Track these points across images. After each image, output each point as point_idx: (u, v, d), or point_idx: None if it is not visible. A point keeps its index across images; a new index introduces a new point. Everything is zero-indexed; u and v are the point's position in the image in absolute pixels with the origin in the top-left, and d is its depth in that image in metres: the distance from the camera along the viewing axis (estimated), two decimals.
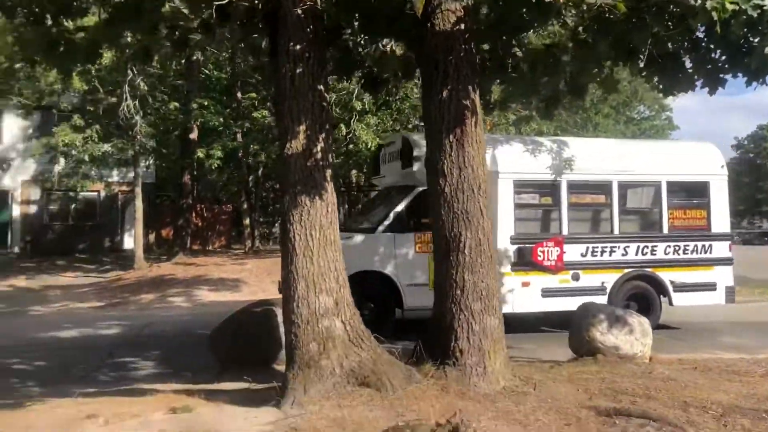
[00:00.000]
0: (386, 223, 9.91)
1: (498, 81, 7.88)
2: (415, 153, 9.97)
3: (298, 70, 5.43)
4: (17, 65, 17.89)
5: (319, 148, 5.45)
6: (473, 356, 5.46)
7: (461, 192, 5.57)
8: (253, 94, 21.12)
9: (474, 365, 5.45)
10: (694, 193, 10.81)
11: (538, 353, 7.88)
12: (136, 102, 18.67)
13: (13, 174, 26.26)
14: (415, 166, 9.93)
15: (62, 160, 22.55)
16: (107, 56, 15.17)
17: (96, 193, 27.15)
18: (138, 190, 21.30)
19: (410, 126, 18.50)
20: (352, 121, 17.17)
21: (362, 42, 7.45)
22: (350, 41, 7.32)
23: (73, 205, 27.39)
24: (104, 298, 16.47)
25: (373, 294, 9.48)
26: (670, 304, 10.50)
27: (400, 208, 9.95)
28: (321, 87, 5.54)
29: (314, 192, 5.37)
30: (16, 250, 26.29)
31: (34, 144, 22.88)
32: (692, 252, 10.50)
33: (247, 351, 6.99)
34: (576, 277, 10.08)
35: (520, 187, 10.09)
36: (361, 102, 16.73)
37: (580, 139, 13.98)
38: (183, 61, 20.36)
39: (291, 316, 5.29)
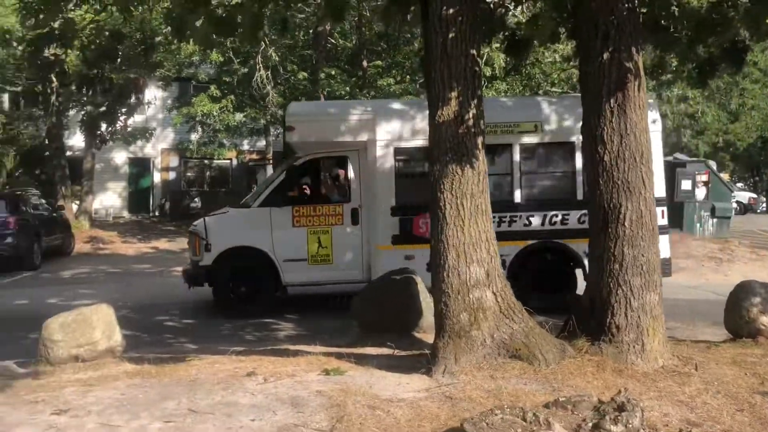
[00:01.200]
0: (262, 197, 9.66)
1: (651, 45, 7.39)
2: (288, 122, 9.66)
3: (450, 35, 5.30)
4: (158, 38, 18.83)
5: (470, 114, 5.32)
6: (631, 333, 5.21)
7: (622, 161, 5.26)
8: (379, 62, 21.19)
9: (632, 342, 5.19)
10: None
11: (685, 333, 7.44)
12: (268, 72, 19.26)
13: (154, 143, 28.02)
14: (294, 136, 9.57)
15: (200, 129, 23.75)
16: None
17: (228, 161, 28.49)
18: (269, 157, 22.09)
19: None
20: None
21: (508, 4, 7.19)
22: (493, 3, 7.09)
23: (207, 172, 28.95)
24: None
25: (249, 269, 9.39)
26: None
27: (277, 181, 9.65)
28: (473, 52, 5.38)
29: (465, 160, 5.26)
30: (157, 213, 28.19)
31: (174, 114, 24.20)
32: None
33: (387, 317, 7.06)
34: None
35: (401, 154, 9.33)
36: (491, 67, 16.36)
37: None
38: (311, 31, 20.77)
39: (441, 285, 5.25)
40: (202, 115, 21.42)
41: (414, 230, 9.06)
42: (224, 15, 6.03)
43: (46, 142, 23.91)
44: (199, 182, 29.22)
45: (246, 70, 20.71)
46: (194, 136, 24.56)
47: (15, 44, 18.78)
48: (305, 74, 21.36)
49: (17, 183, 22.73)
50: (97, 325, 6.14)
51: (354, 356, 5.83)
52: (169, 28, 8.22)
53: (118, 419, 4.24)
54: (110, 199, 28.06)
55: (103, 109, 19.33)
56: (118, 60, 8.05)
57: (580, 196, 9.02)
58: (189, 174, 29.47)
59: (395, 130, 9.18)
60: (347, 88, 20.89)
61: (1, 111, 21.96)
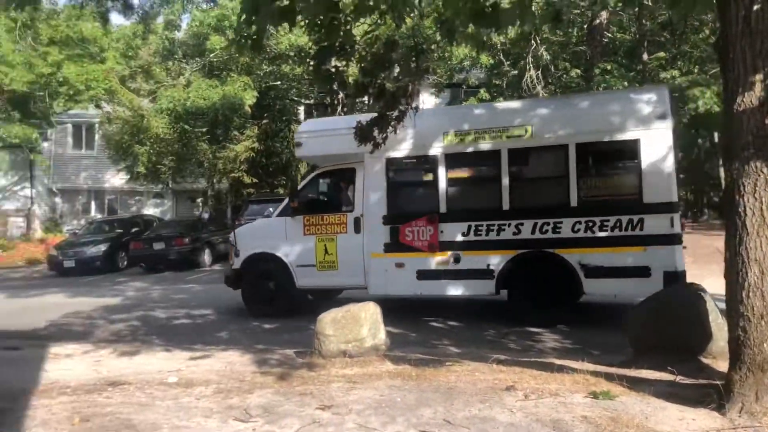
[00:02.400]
0: (280, 208, 10.57)
1: None
2: (297, 138, 10.51)
3: (754, 7, 4.43)
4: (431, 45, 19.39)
5: None
6: None
7: None
8: (662, 54, 19.42)
9: None
10: (616, 155, 8.70)
11: None
12: (539, 72, 18.78)
13: None
14: (303, 151, 10.46)
15: None
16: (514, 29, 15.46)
17: None
18: None
19: None
20: None
21: None
22: None
23: None
24: None
25: (269, 274, 10.21)
26: (581, 291, 8.61)
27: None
28: None
29: None
30: None
31: None
32: (611, 229, 8.41)
33: (666, 337, 6.21)
34: (457, 259, 9.04)
35: (393, 165, 9.53)
36: None
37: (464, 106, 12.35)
38: (585, 26, 19.79)
39: (739, 307, 4.39)
40: None
41: (401, 238, 9.28)
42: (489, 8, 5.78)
43: None
44: None
45: (516, 71, 20.47)
46: None
47: (309, 61, 20.92)
48: (578, 71, 20.42)
49: None
50: (364, 322, 6.34)
51: (627, 379, 5.19)
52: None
53: (375, 422, 4.24)
54: None
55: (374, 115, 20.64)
56: (393, 68, 8.21)
57: None
58: None
59: (387, 142, 8.20)
60: (625, 83, 19.50)
61: (297, 121, 24.64)
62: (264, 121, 23.48)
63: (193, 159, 23.21)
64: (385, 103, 8.06)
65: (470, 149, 9.24)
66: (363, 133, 7.99)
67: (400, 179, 9.75)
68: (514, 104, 11.17)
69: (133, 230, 21.72)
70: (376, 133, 7.98)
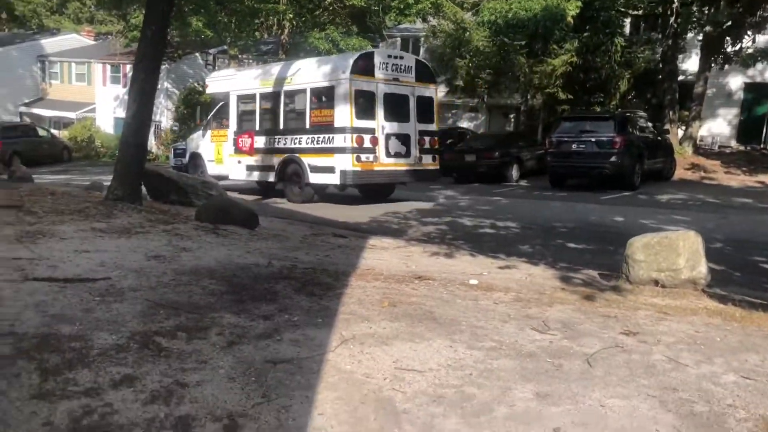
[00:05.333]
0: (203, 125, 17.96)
1: None
2: (206, 82, 19.20)
3: None
4: None
5: None
6: None
7: None
8: None
9: None
10: (324, 96, 13.59)
11: None
12: None
13: None
14: (208, 90, 18.32)
15: None
16: None
17: None
18: None
19: None
20: None
21: None
22: None
23: None
24: None
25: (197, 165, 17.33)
26: (308, 181, 13.83)
27: (211, 116, 17.51)
28: None
29: None
30: None
31: None
32: (320, 142, 13.45)
33: None
34: (260, 159, 14.95)
35: (240, 99, 15.81)
36: None
37: (265, 66, 17.83)
38: None
39: None
40: None
41: (237, 146, 15.61)
42: None
43: (660, 65, 23.88)
44: None
45: None
46: None
47: None
48: None
49: (629, 105, 23.55)
50: (681, 252, 5.70)
51: None
52: None
53: (687, 358, 3.79)
54: (718, 126, 26.49)
55: (728, 24, 18.16)
56: None
57: None
58: None
59: (238, 85, 15.93)
60: None
61: (621, 34, 22.81)
62: (585, 34, 22.17)
63: (510, 73, 23.07)
64: (739, 12, 6.89)
65: (270, 90, 14.93)
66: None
67: (241, 108, 15.76)
68: (289, 63, 15.79)
69: (448, 141, 22.66)
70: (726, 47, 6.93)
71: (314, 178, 13.59)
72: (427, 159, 14.45)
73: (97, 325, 3.84)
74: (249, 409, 2.90)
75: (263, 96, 14.97)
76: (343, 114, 13.03)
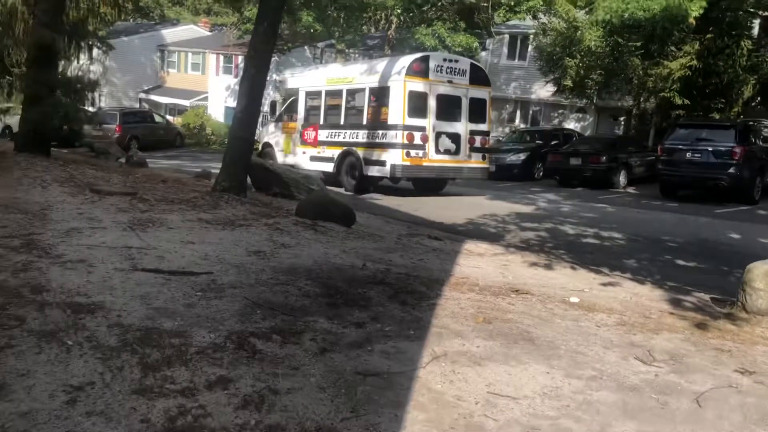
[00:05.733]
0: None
1: None
2: (278, 80, 22.15)
3: None
4: None
5: None
6: None
7: None
8: None
9: None
10: (381, 95, 14.66)
11: None
12: None
13: None
14: (280, 87, 20.68)
15: None
16: None
17: None
18: None
19: None
20: None
21: None
22: None
23: None
24: None
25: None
26: (364, 173, 14.84)
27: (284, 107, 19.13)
28: None
29: None
30: None
31: None
32: (375, 138, 14.59)
33: None
34: (322, 150, 16.12)
35: (308, 95, 17.04)
36: None
37: (330, 65, 21.76)
38: None
39: None
40: None
41: (302, 138, 17.00)
42: None
43: None
44: None
45: None
46: None
47: None
48: None
49: (752, 113, 22.00)
50: None
51: None
52: None
53: None
54: None
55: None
56: None
57: None
58: None
59: (307, 82, 17.54)
60: None
61: (749, 37, 21.31)
62: (708, 36, 20.87)
63: (622, 75, 22.09)
64: None
65: (335, 87, 16.20)
66: None
67: (309, 103, 16.88)
68: (352, 64, 19.49)
69: (552, 143, 22.07)
70: None
71: (368, 170, 14.75)
72: (477, 157, 15.43)
73: (197, 321, 3.94)
74: (337, 423, 2.88)
75: (328, 93, 16.39)
76: (396, 112, 14.17)
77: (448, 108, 14.86)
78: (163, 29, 46.28)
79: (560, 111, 29.48)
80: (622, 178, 19.26)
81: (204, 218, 7.42)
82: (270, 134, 18.89)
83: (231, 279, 4.93)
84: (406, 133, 14.07)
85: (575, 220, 12.10)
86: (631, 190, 19.08)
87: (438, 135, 14.66)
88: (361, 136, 15.10)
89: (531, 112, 30.53)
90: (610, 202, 15.80)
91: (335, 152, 15.65)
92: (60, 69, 11.42)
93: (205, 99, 40.45)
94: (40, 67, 10.24)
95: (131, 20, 50.80)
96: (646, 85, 21.30)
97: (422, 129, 14.40)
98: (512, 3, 27.09)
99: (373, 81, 15.06)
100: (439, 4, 28.48)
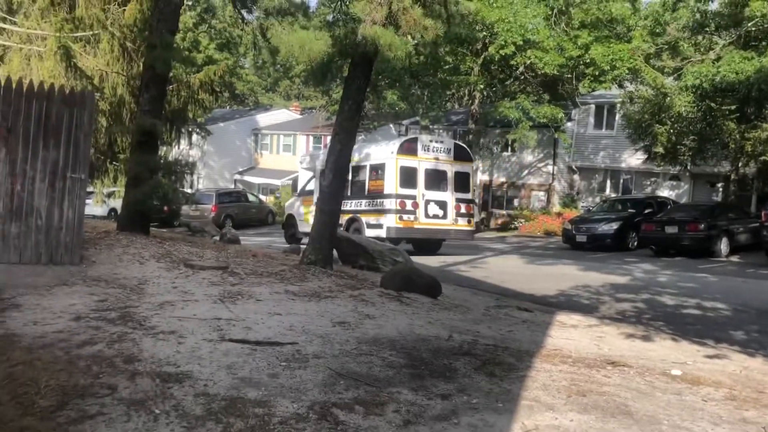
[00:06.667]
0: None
1: None
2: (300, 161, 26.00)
3: None
4: None
5: None
6: None
7: None
8: None
9: None
10: (378, 170, 17.29)
11: None
12: None
13: None
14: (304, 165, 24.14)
15: None
16: None
17: None
18: None
19: None
20: None
21: None
22: None
23: None
24: None
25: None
26: (365, 235, 15.91)
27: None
28: None
29: None
30: None
31: None
32: (374, 205, 17.10)
33: None
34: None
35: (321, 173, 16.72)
36: None
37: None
38: None
39: None
40: None
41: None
42: None
43: None
44: None
45: None
46: None
47: None
48: None
49: None
50: None
51: None
52: None
53: None
54: None
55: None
56: None
57: None
58: None
59: (321, 163, 16.45)
60: None
61: None
62: None
63: (717, 140, 21.30)
64: None
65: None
66: None
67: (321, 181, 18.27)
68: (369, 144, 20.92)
69: (646, 211, 21.29)
70: None
71: (369, 232, 16.80)
72: (463, 221, 17.85)
73: (280, 391, 3.92)
74: None
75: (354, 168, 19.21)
76: (391, 184, 16.89)
77: (436, 180, 17.48)
78: (257, 114, 48.81)
79: (652, 179, 28.61)
80: (723, 246, 18.21)
81: (291, 290, 7.52)
82: (293, 208, 21.39)
83: (315, 349, 4.91)
84: (398, 200, 16.68)
85: (674, 290, 11.46)
86: (734, 258, 18.00)
87: (427, 202, 17.14)
88: (364, 204, 17.67)
89: (621, 180, 29.77)
90: (711, 271, 14.92)
91: (344, 218, 17.34)
92: (161, 153, 12.13)
93: (297, 178, 41.93)
94: (143, 152, 10.92)
95: (228, 107, 54.01)
96: (744, 149, 20.42)
97: (413, 197, 16.90)
98: (597, 73, 26.90)
99: (372, 160, 17.82)
100: (522, 77, 28.66)
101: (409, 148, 17.24)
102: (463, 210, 17.80)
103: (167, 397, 3.68)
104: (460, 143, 20.25)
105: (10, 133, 7.44)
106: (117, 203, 16.58)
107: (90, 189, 13.11)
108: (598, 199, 28.40)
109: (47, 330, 4.92)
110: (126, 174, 12.12)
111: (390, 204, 16.81)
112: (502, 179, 33.52)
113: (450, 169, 17.74)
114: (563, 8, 25.21)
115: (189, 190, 23.71)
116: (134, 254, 8.70)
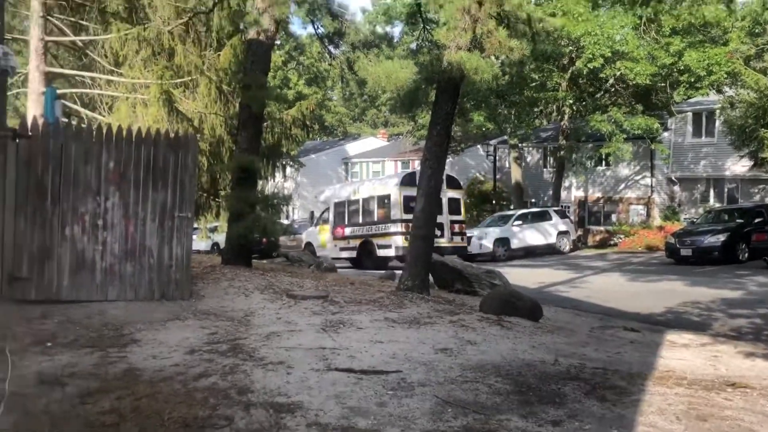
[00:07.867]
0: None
1: None
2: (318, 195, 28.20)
3: None
4: None
5: None
6: None
7: None
8: None
9: None
10: (385, 200, 20.63)
11: None
12: None
13: None
14: (321, 197, 26.08)
15: None
16: None
17: None
18: None
19: None
20: None
21: None
22: None
23: None
24: None
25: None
26: (377, 255, 20.30)
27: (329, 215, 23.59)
28: None
29: None
30: None
31: None
32: (383, 229, 20.32)
33: None
34: (347, 242, 21.79)
35: (336, 204, 23.14)
36: None
37: (347, 186, 26.65)
38: None
39: None
40: None
41: (333, 234, 22.54)
42: None
43: None
44: None
45: None
46: None
47: None
48: None
49: None
50: None
51: None
52: None
53: None
54: None
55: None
56: None
57: None
58: None
59: (335, 196, 23.40)
60: None
61: None
62: None
63: None
64: None
65: (354, 197, 22.24)
66: None
67: (337, 210, 22.62)
68: (363, 182, 27.26)
69: (756, 221, 20.11)
70: None
71: (380, 252, 20.28)
72: (457, 239, 21.12)
73: (389, 420, 3.96)
74: None
75: (350, 202, 22.30)
76: (396, 211, 19.94)
77: None
78: (346, 144, 49.85)
79: (761, 186, 27.02)
80: None
81: (390, 317, 7.59)
82: (312, 236, 24.69)
83: (420, 377, 4.94)
84: (403, 224, 18.85)
85: None
86: None
87: None
88: (374, 229, 20.81)
89: (726, 189, 28.29)
90: None
91: (357, 242, 21.35)
92: (259, 187, 12.61)
93: (312, 213, 42.73)
94: (243, 188, 11.38)
95: (318, 139, 55.43)
96: None
97: None
98: (692, 80, 25.81)
99: (379, 192, 21.13)
100: (612, 90, 27.88)
101: (408, 180, 19.64)
102: (456, 229, 21.20)
103: (281, 428, 3.80)
104: (452, 174, 23.53)
105: (123, 179, 7.97)
106: (219, 237, 17.30)
107: (194, 225, 13.77)
108: (701, 210, 27.08)
109: (165, 363, 5.19)
110: (228, 209, 12.65)
111: (396, 227, 19.79)
112: (598, 194, 32.58)
113: (445, 195, 19.71)
114: (651, 16, 24.41)
115: (285, 221, 24.76)
116: (239, 287, 9.04)
